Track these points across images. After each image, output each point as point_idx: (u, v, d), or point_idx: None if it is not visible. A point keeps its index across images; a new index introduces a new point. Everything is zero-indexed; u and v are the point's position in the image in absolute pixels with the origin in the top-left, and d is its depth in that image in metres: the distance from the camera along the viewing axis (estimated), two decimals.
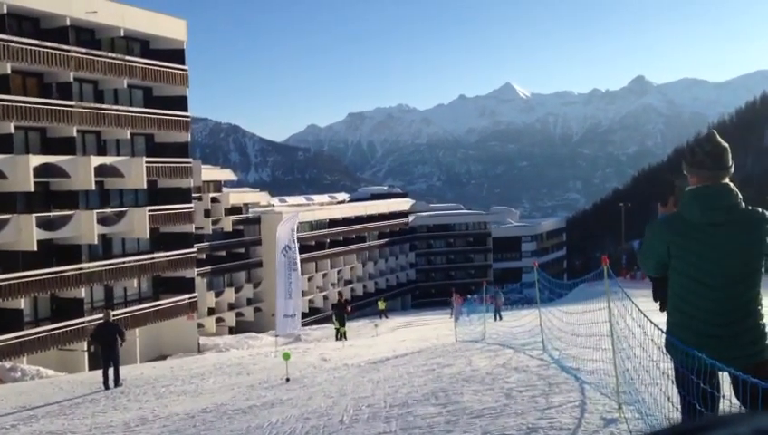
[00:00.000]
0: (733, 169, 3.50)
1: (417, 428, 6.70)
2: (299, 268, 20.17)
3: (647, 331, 4.64)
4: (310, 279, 63.81)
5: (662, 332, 4.06)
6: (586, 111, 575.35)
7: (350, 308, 36.27)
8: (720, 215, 3.41)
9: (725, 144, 3.51)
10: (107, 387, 15.31)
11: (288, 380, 13.07)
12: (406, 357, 14.48)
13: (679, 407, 3.76)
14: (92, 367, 28.72)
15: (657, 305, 3.88)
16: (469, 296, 30.05)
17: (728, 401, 3.22)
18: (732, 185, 3.48)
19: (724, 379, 3.42)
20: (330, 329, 36.71)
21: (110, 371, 15.61)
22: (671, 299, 3.58)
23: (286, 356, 13.79)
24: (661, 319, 4.32)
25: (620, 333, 5.91)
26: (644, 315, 4.68)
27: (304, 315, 50.12)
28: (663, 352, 4.07)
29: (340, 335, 29.53)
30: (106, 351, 15.85)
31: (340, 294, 66.86)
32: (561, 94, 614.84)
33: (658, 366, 4.36)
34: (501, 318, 24.29)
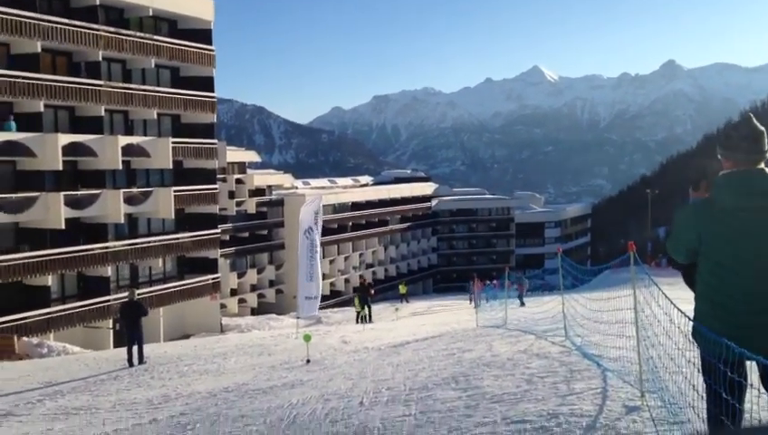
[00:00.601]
0: None
1: (437, 411, 6.68)
2: (321, 250, 20.21)
3: (673, 318, 4.55)
4: (331, 262, 64.07)
5: (689, 319, 3.97)
6: (615, 95, 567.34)
7: (373, 291, 36.37)
8: (754, 200, 3.30)
9: (762, 128, 3.40)
10: (131, 364, 15.54)
11: (309, 361, 13.13)
12: (426, 341, 14.47)
13: (704, 395, 3.68)
14: (117, 344, 29.19)
15: (688, 293, 3.80)
16: (489, 282, 29.94)
17: (756, 390, 3.14)
18: (767, 170, 3.37)
19: (753, 369, 3.33)
20: (351, 312, 36.87)
21: (135, 348, 15.84)
22: (699, 286, 3.49)
23: (307, 338, 13.85)
24: (688, 307, 4.23)
25: (645, 321, 5.82)
26: (671, 302, 4.59)
27: (326, 298, 50.46)
28: (689, 340, 3.98)
29: (362, 318, 29.63)
30: (130, 329, 16.10)
31: (362, 277, 67.11)
32: (590, 78, 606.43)
33: (684, 354, 4.27)
34: (524, 304, 24.16)
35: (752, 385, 3.29)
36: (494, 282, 36.58)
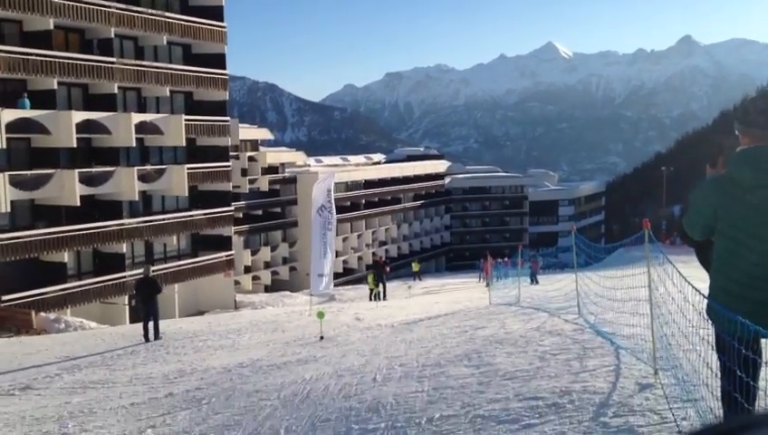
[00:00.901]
0: None
1: (450, 388, 6.72)
2: (334, 228, 20.25)
3: (687, 296, 4.53)
4: (344, 240, 64.18)
5: (704, 297, 3.95)
6: (630, 71, 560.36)
7: (388, 268, 36.48)
8: None
9: None
10: (147, 340, 15.74)
11: (322, 338, 13.22)
12: (439, 319, 14.52)
13: (718, 373, 3.67)
14: (133, 320, 29.52)
15: (702, 271, 3.77)
16: (499, 260, 29.80)
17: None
18: None
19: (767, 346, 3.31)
20: (364, 289, 37.03)
21: (150, 324, 16.02)
22: (715, 263, 3.45)
23: (320, 315, 13.94)
24: (702, 285, 4.21)
25: (659, 299, 5.80)
26: (685, 280, 4.56)
27: (338, 275, 50.67)
28: (704, 317, 3.96)
29: (375, 296, 29.74)
30: (146, 305, 16.30)
31: (374, 254, 67.25)
32: (605, 54, 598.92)
33: (698, 332, 4.26)
34: (537, 282, 24.09)
35: (766, 363, 3.27)
36: (506, 260, 36.40)
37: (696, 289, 4.20)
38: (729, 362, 3.33)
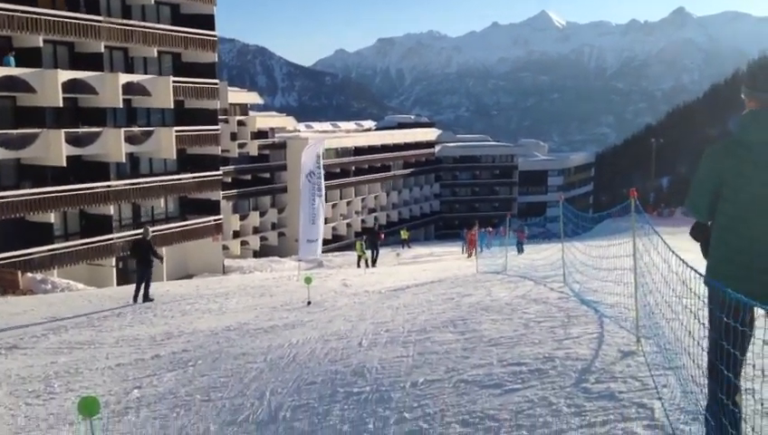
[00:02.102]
0: None
1: (435, 353, 6.78)
2: (323, 194, 20.20)
3: (671, 266, 4.56)
4: (334, 206, 64.15)
5: (688, 266, 3.97)
6: (623, 42, 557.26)
7: (383, 235, 36.56)
8: None
9: None
10: (135, 301, 15.73)
11: (309, 303, 13.28)
12: (426, 286, 14.60)
13: (702, 342, 3.69)
14: (121, 282, 29.50)
15: (688, 243, 3.73)
16: (483, 230, 29.85)
17: (760, 340, 3.11)
18: None
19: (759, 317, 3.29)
20: (352, 256, 37.12)
21: (143, 287, 16.05)
22: (716, 232, 3.39)
23: (308, 280, 13.98)
24: (687, 256, 4.23)
25: (644, 268, 5.84)
26: (670, 250, 4.59)
27: (327, 242, 50.72)
28: (688, 287, 3.98)
29: (365, 262, 29.85)
30: (140, 266, 16.36)
31: (363, 221, 67.31)
32: (598, 24, 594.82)
33: (681, 301, 4.30)
34: (522, 251, 24.21)
35: (754, 334, 3.25)
36: (489, 229, 36.44)
37: (681, 259, 4.23)
38: (717, 335, 3.28)
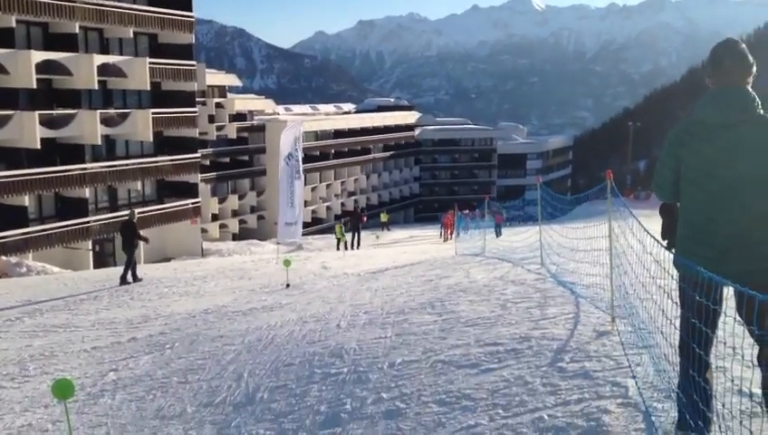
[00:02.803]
0: (754, 72, 3.34)
1: (413, 334, 6.81)
2: (302, 177, 20.10)
3: (646, 247, 4.60)
4: (313, 189, 63.97)
5: (663, 247, 4.01)
6: (601, 26, 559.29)
7: (365, 218, 36.55)
8: (736, 114, 3.22)
9: (746, 51, 3.35)
10: (122, 283, 15.76)
11: (288, 286, 13.25)
12: (405, 268, 14.64)
13: (675, 322, 3.74)
14: (97, 266, 29.23)
15: (659, 227, 3.76)
16: (460, 212, 29.87)
17: (731, 318, 3.14)
18: (751, 89, 3.33)
19: (729, 295, 3.32)
20: (332, 239, 37.09)
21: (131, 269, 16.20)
22: (681, 213, 3.44)
23: (287, 263, 13.94)
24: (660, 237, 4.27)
25: (619, 249, 5.89)
26: (646, 231, 4.63)
27: (307, 225, 50.60)
28: (663, 267, 4.03)
29: (345, 245, 29.85)
30: (125, 248, 16.54)
31: (343, 205, 67.19)
32: (578, 8, 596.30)
33: (656, 282, 4.35)
34: (501, 234, 24.27)
35: (725, 313, 3.29)
36: (466, 212, 36.47)
37: (656, 239, 4.27)
38: (687, 313, 3.33)
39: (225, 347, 7.82)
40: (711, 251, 3.25)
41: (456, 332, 6.59)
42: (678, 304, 3.52)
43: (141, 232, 17.49)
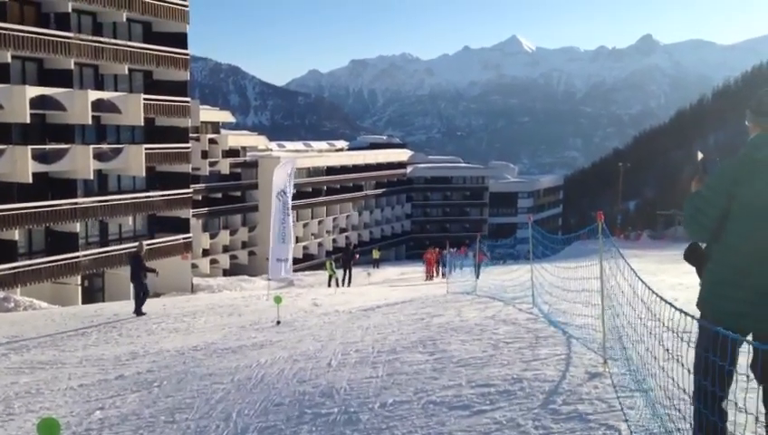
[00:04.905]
0: None
1: (404, 374, 6.76)
2: (290, 213, 20.11)
3: (636, 290, 4.63)
4: (305, 226, 63.94)
5: (652, 292, 4.03)
6: (591, 68, 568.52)
7: (358, 255, 36.33)
8: None
9: None
10: (138, 314, 16.13)
11: (279, 323, 13.16)
12: (396, 306, 14.57)
13: (667, 368, 3.68)
14: (86, 301, 28.95)
15: (653, 265, 3.77)
16: (447, 251, 29.55)
17: (744, 376, 3.08)
18: None
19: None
20: (323, 275, 36.92)
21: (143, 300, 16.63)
22: (720, 252, 3.34)
23: (278, 300, 13.86)
24: (652, 278, 4.30)
25: (610, 291, 5.91)
26: (635, 274, 4.66)
27: (298, 261, 50.47)
28: (651, 310, 4.04)
29: (337, 281, 29.73)
30: (133, 280, 17.00)
31: (334, 241, 67.09)
32: (567, 50, 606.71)
33: (646, 324, 4.36)
34: (478, 276, 22.26)
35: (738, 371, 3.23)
36: (453, 250, 35.81)
37: (645, 283, 4.29)
38: (706, 382, 3.17)
39: (214, 386, 7.73)
40: (754, 295, 3.19)
41: (447, 372, 6.55)
42: (696, 345, 3.43)
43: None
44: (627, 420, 4.48)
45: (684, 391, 3.47)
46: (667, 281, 14.06)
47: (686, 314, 3.23)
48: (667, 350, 3.56)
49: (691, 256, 3.59)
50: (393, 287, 27.05)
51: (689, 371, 3.33)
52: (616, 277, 5.66)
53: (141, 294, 16.65)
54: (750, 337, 3.17)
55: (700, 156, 3.72)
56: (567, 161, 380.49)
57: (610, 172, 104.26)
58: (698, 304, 3.45)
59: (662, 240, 49.41)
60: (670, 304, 3.59)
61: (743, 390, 3.00)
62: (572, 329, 7.72)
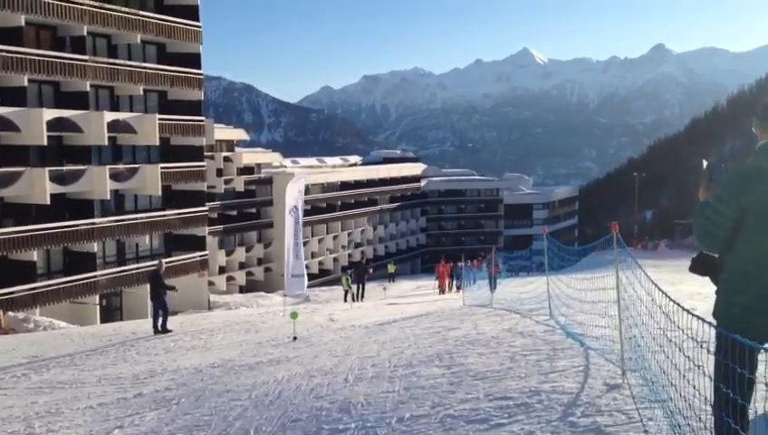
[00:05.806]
0: None
1: (421, 388, 6.73)
2: (301, 229, 20.17)
3: (655, 299, 4.59)
4: (320, 241, 64.08)
5: (671, 300, 4.00)
6: (604, 78, 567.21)
7: (371, 270, 36.24)
8: None
9: None
10: (155, 331, 16.38)
11: (295, 338, 13.17)
12: (412, 320, 14.54)
13: (689, 377, 3.64)
14: (104, 320, 29.13)
15: (670, 275, 3.75)
16: (456, 264, 29.27)
17: (764, 385, 3.05)
18: None
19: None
20: (339, 291, 36.89)
21: (161, 318, 16.76)
22: (731, 261, 3.31)
23: (294, 315, 13.87)
24: (670, 288, 4.27)
25: (628, 301, 5.87)
26: (653, 284, 4.63)
27: (314, 277, 50.51)
28: (671, 320, 4.00)
29: (352, 296, 29.69)
30: (153, 298, 17.14)
31: (350, 256, 67.11)
32: (580, 61, 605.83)
33: (665, 334, 4.32)
34: (495, 288, 21.98)
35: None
36: (464, 263, 35.27)
37: (663, 292, 4.26)
38: (725, 385, 3.13)
39: (232, 402, 7.74)
40: (754, 301, 3.18)
41: (464, 385, 6.52)
42: (696, 362, 3.42)
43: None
44: (646, 432, 4.43)
45: (705, 399, 3.44)
46: (685, 290, 13.94)
47: (704, 321, 3.21)
48: (689, 357, 3.53)
49: (699, 267, 3.55)
50: (405, 302, 26.96)
51: (710, 377, 3.30)
52: (633, 287, 5.62)
53: (161, 312, 16.78)
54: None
55: (705, 163, 3.70)
56: (582, 172, 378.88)
57: (626, 182, 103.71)
58: (714, 314, 3.42)
59: (680, 249, 49.02)
60: (688, 311, 3.56)
61: (762, 398, 2.96)
62: (590, 340, 7.67)
